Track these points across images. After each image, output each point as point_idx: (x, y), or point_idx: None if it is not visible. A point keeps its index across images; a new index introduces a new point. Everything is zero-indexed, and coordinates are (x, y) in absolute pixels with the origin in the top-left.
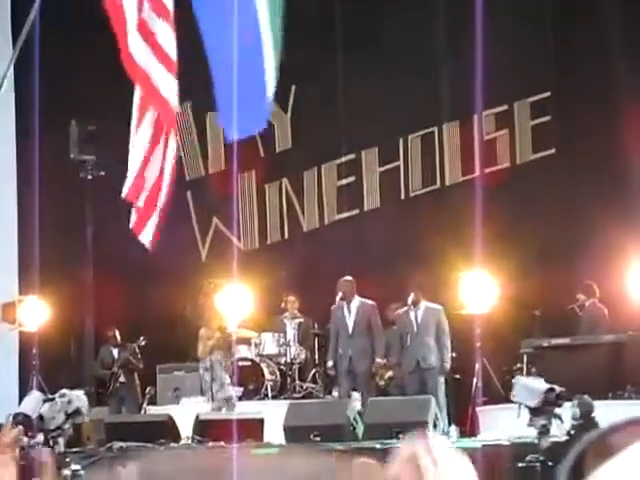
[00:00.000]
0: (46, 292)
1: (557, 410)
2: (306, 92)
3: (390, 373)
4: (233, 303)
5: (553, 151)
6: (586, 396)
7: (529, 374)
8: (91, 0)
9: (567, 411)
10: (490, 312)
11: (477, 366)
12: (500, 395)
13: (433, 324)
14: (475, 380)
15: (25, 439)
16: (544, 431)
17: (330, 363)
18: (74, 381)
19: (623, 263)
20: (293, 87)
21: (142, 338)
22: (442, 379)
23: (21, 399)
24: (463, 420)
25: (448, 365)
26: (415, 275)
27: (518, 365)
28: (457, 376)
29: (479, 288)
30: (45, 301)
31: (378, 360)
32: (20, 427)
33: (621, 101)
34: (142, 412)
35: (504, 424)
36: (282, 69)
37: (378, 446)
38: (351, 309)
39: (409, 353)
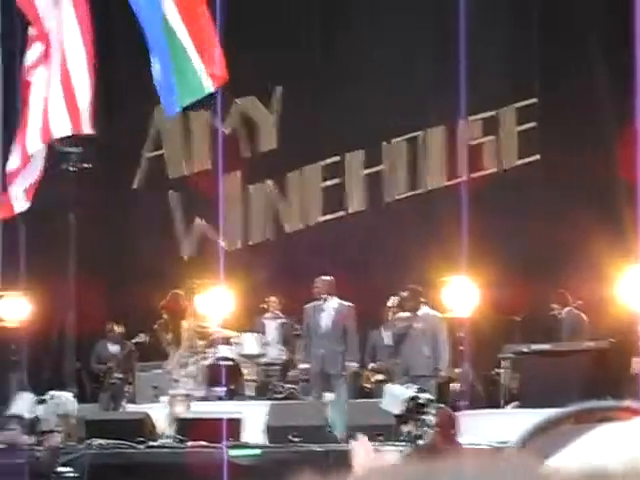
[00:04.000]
0: (28, 287)
1: (423, 417)
2: (291, 93)
3: (379, 377)
4: (214, 303)
5: (538, 157)
6: (444, 405)
7: (511, 379)
8: None
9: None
10: (471, 317)
11: (459, 370)
12: (481, 399)
13: (431, 330)
14: (458, 385)
15: (25, 439)
16: (410, 438)
17: (302, 365)
18: (56, 378)
19: (606, 270)
20: (278, 88)
21: (142, 335)
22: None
23: None
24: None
25: (443, 373)
26: (402, 278)
27: (499, 370)
28: (439, 380)
29: (461, 293)
30: (27, 297)
31: (352, 364)
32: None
33: (607, 108)
34: (121, 410)
35: (485, 428)
36: (267, 69)
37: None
38: (326, 309)
39: (402, 358)
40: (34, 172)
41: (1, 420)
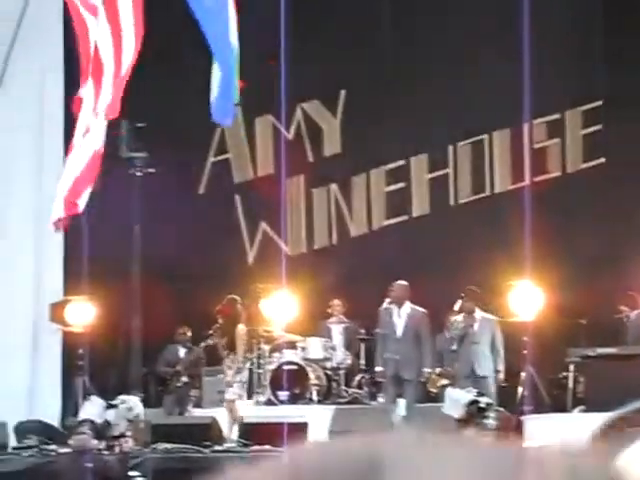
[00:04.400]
0: (93, 292)
1: (484, 421)
2: (355, 97)
3: (444, 381)
4: (278, 307)
5: (603, 160)
6: (502, 409)
7: (576, 383)
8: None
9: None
10: (536, 321)
11: (523, 374)
12: (547, 404)
13: (488, 333)
14: (521, 388)
15: (95, 443)
16: None
17: (378, 368)
18: (121, 383)
19: None
20: (342, 92)
21: (209, 339)
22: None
23: (64, 400)
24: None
25: (501, 374)
26: (467, 282)
27: (564, 374)
28: (504, 384)
29: (526, 296)
30: (92, 302)
31: (426, 369)
32: (90, 433)
33: None
34: (187, 414)
35: (551, 433)
36: (331, 74)
37: None
38: (401, 314)
39: (463, 360)
40: (91, 174)
41: (70, 424)
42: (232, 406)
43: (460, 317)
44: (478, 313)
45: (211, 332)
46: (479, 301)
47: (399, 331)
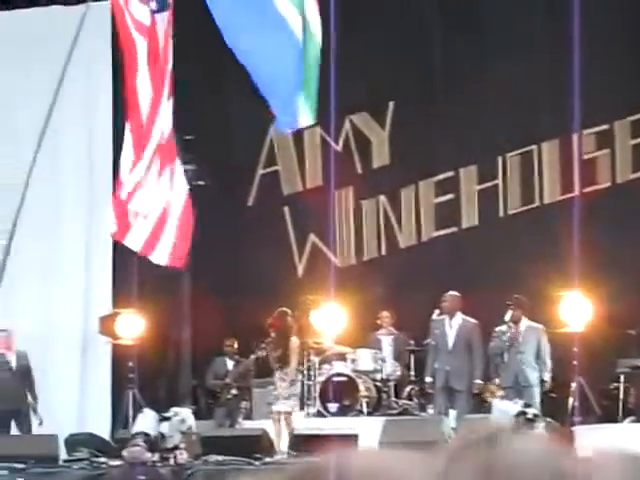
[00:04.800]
0: (142, 305)
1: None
2: (404, 108)
3: (502, 392)
4: (327, 319)
5: None
6: (550, 419)
7: (626, 394)
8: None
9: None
10: (586, 331)
11: (574, 385)
12: (597, 414)
13: (534, 342)
14: (572, 399)
15: (149, 456)
16: None
17: (429, 379)
18: (171, 395)
19: None
20: (391, 103)
21: (259, 350)
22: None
23: (114, 412)
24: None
25: (547, 384)
26: (516, 293)
27: (614, 385)
28: (553, 394)
29: (576, 307)
30: (141, 314)
31: (477, 380)
32: (144, 445)
33: None
34: (237, 426)
35: (601, 443)
36: (379, 85)
37: None
38: (453, 325)
39: (508, 369)
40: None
41: (121, 436)
42: (289, 419)
43: (504, 327)
44: (524, 322)
45: (263, 345)
46: (526, 310)
47: (450, 342)
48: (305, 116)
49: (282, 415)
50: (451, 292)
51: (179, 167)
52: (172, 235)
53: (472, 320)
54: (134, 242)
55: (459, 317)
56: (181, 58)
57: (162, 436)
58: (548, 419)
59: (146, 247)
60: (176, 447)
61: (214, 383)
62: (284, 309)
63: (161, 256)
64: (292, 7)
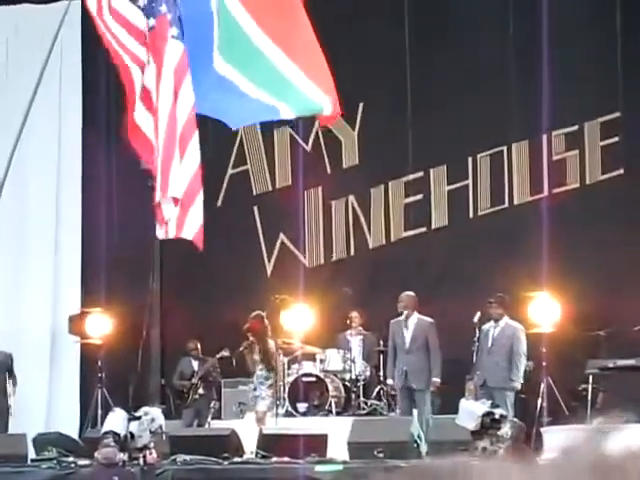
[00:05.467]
0: (110, 304)
1: (498, 433)
2: (374, 109)
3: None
4: (296, 319)
5: (622, 172)
6: (516, 419)
7: (595, 395)
8: None
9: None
10: (555, 332)
11: (542, 386)
12: (565, 415)
13: (507, 343)
14: (540, 400)
15: (120, 456)
16: (485, 454)
17: (390, 381)
18: (140, 395)
19: None
20: (361, 104)
21: (224, 350)
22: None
23: (83, 412)
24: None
25: (517, 384)
26: (485, 294)
27: (584, 386)
28: (522, 395)
29: (544, 308)
30: (110, 314)
31: (435, 379)
32: (115, 445)
33: None
34: (206, 426)
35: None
36: (349, 85)
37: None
38: (409, 325)
39: (480, 370)
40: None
41: (90, 435)
42: (263, 419)
43: (487, 326)
44: (503, 320)
45: (242, 349)
46: (507, 308)
47: (407, 343)
48: (286, 110)
49: (265, 415)
50: (407, 292)
51: (196, 141)
52: (197, 212)
53: (428, 319)
54: (172, 230)
55: (415, 317)
56: None
57: (131, 435)
58: (515, 420)
59: (178, 228)
60: (145, 447)
61: (180, 383)
62: (259, 312)
63: (189, 232)
64: None
